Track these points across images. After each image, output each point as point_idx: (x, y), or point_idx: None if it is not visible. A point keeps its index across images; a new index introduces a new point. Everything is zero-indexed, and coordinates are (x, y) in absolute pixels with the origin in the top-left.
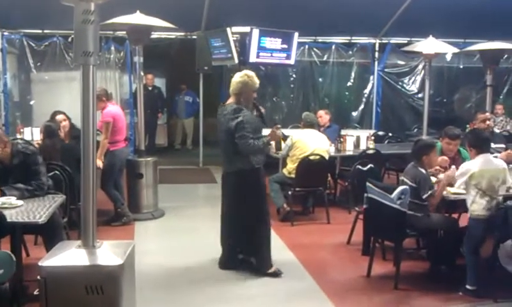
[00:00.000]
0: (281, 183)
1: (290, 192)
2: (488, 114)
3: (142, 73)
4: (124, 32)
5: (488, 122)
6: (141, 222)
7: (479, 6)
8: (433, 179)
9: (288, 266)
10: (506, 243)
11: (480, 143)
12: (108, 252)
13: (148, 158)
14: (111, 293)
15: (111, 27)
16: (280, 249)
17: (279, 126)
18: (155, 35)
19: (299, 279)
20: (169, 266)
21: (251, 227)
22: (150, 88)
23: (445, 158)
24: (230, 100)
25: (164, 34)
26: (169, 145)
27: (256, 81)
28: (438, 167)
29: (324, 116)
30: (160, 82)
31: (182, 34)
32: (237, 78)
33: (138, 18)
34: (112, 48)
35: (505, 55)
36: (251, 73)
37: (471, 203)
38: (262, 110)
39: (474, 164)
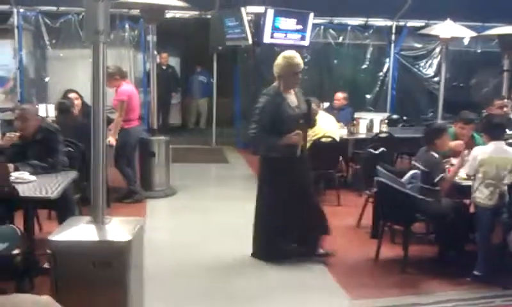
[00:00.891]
0: None
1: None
2: (505, 100)
3: (155, 52)
4: (138, 10)
5: (505, 109)
6: (152, 200)
7: None
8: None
9: None
10: None
11: (493, 129)
12: (117, 229)
13: (161, 137)
14: (119, 269)
15: (126, 5)
16: None
17: (299, 133)
18: (169, 14)
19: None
20: (178, 243)
21: (259, 214)
22: (164, 67)
23: (460, 142)
24: (275, 83)
25: (178, 13)
26: (183, 125)
27: (296, 63)
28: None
29: (341, 100)
30: (174, 62)
31: (197, 13)
32: (277, 60)
33: None
34: (127, 26)
35: None
36: (291, 54)
37: (474, 190)
38: (314, 106)
39: (485, 150)
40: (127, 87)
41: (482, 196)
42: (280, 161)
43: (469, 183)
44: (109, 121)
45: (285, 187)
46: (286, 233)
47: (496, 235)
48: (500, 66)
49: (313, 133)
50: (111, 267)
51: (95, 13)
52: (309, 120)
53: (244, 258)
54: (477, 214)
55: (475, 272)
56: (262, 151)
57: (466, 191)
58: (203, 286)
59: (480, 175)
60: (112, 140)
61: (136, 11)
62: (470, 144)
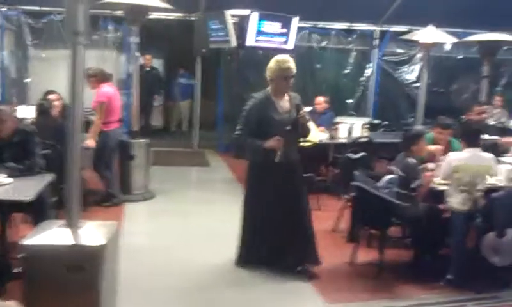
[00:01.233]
0: None
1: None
2: (485, 106)
3: (138, 54)
4: (122, 11)
5: (483, 115)
6: (131, 204)
7: None
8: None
9: None
10: (489, 235)
11: (471, 136)
12: (91, 233)
13: (141, 140)
14: (93, 273)
15: (109, 6)
16: None
17: (279, 138)
18: (153, 16)
19: None
20: (156, 247)
21: (241, 220)
22: (147, 69)
23: (439, 147)
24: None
25: (162, 15)
26: (165, 127)
27: (287, 67)
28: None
29: (322, 104)
30: (158, 64)
31: (181, 15)
32: (269, 63)
33: None
34: (110, 27)
35: (505, 47)
36: (283, 58)
37: (448, 195)
38: (303, 113)
39: (461, 157)
40: (107, 89)
41: (455, 201)
42: (263, 168)
43: (445, 188)
44: (89, 123)
45: (266, 195)
46: (265, 242)
47: (470, 239)
48: (479, 73)
49: None
50: (84, 271)
51: (74, 14)
52: (296, 127)
53: (222, 263)
54: (451, 219)
55: (449, 276)
56: (246, 154)
57: (441, 196)
58: (179, 291)
59: (454, 181)
60: (91, 142)
61: (119, 13)
62: (448, 149)
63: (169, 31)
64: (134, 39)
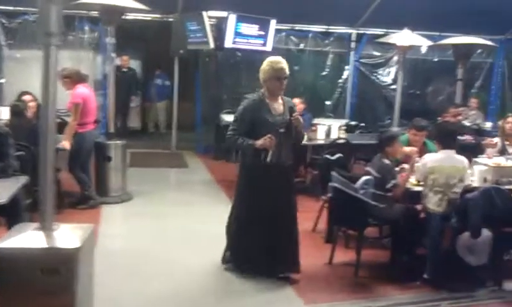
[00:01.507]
0: None
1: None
2: (460, 109)
3: (114, 55)
4: (97, 12)
5: (459, 117)
6: (108, 206)
7: None
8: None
9: None
10: (464, 234)
11: (445, 138)
12: (65, 235)
13: (118, 141)
14: (67, 276)
15: (84, 6)
16: None
17: (271, 137)
18: (130, 16)
19: None
20: (132, 250)
21: (228, 221)
22: (125, 70)
23: (414, 148)
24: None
25: (140, 16)
26: (143, 128)
27: (280, 67)
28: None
29: (299, 105)
30: (135, 65)
31: (159, 16)
32: (262, 65)
33: None
34: (86, 28)
35: (479, 50)
36: (275, 59)
37: (424, 196)
38: (296, 116)
39: (436, 158)
40: (82, 90)
41: (431, 202)
42: (255, 169)
43: (420, 188)
44: (65, 124)
45: (256, 197)
46: (253, 243)
47: (446, 239)
48: (455, 75)
49: None
50: (59, 275)
51: (47, 14)
52: (290, 130)
53: (201, 265)
54: (427, 219)
55: (425, 276)
56: (236, 156)
57: (417, 197)
58: (156, 295)
59: (430, 182)
60: (66, 144)
61: (95, 13)
62: (423, 150)
63: (146, 32)
64: (110, 40)
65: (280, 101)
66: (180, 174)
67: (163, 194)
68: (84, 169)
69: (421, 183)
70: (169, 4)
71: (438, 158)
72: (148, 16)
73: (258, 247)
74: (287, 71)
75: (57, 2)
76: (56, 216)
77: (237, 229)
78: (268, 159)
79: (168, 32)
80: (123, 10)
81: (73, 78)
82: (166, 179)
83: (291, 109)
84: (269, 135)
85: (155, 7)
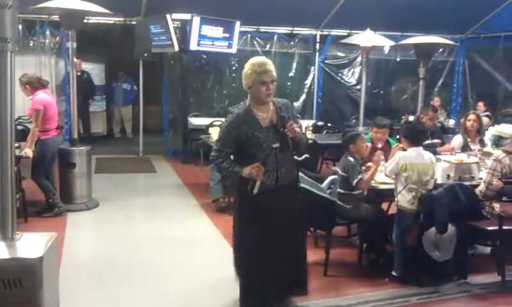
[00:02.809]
0: None
1: (227, 183)
2: (438, 112)
3: (75, 59)
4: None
5: (435, 120)
6: (73, 213)
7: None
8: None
9: (222, 254)
10: (430, 231)
11: (414, 135)
12: (28, 245)
13: (82, 147)
14: (30, 287)
15: (45, 11)
16: (215, 239)
17: (259, 166)
18: (93, 20)
19: (232, 267)
20: (99, 257)
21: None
22: (78, 73)
23: (381, 156)
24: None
25: (102, 19)
26: (108, 133)
27: (265, 70)
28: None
29: None
30: (99, 69)
31: (121, 19)
32: (244, 69)
33: (71, 2)
34: (48, 32)
35: (441, 49)
36: (257, 61)
37: (397, 194)
38: (291, 125)
39: (407, 156)
40: (43, 96)
41: (404, 200)
42: (250, 196)
43: (386, 186)
44: (28, 131)
45: (255, 225)
46: (266, 283)
47: (412, 236)
48: (417, 74)
49: None
50: (21, 286)
51: (2, 20)
52: (287, 143)
53: (170, 268)
54: (398, 217)
55: (393, 273)
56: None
57: (383, 195)
58: (125, 300)
59: (402, 180)
60: (28, 151)
61: (56, 17)
62: (386, 148)
63: (109, 36)
64: (71, 45)
65: (271, 107)
66: (148, 179)
67: (131, 200)
68: (48, 176)
69: (390, 181)
70: (132, 7)
71: (409, 156)
72: (111, 20)
73: (266, 282)
74: (274, 73)
75: (12, 7)
76: (19, 225)
77: (250, 275)
78: (255, 191)
79: (131, 35)
80: (84, 14)
81: (34, 85)
82: (133, 184)
83: (282, 118)
84: (256, 164)
85: (118, 10)
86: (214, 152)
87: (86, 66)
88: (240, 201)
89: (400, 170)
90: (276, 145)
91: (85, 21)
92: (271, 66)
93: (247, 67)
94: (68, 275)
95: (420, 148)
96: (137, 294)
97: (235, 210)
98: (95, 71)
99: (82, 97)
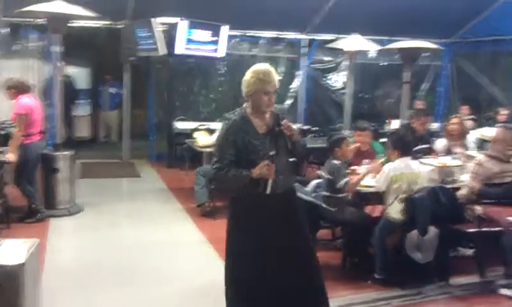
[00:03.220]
0: (208, 176)
1: (212, 187)
2: (428, 117)
3: (61, 63)
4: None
5: (425, 125)
6: (56, 219)
7: (402, 4)
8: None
9: (207, 259)
10: (412, 233)
11: (405, 146)
12: (8, 251)
13: (65, 152)
14: (12, 294)
15: (30, 14)
16: (200, 243)
17: (268, 163)
18: (79, 23)
19: (219, 271)
20: (82, 263)
21: (225, 269)
22: (62, 78)
23: (356, 144)
24: (244, 104)
25: (89, 23)
26: (93, 138)
27: (268, 80)
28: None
29: None
30: (85, 72)
31: (108, 23)
32: (245, 75)
33: (57, 6)
34: (33, 36)
35: (427, 53)
36: (262, 69)
37: (388, 205)
38: (286, 125)
39: (396, 167)
40: (27, 100)
41: (395, 210)
42: (251, 205)
43: (370, 190)
44: (10, 136)
45: (256, 241)
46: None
47: (393, 238)
48: (401, 78)
49: None
50: (3, 293)
51: None
52: (284, 146)
53: (155, 274)
54: (383, 223)
55: (376, 275)
56: (227, 189)
57: (367, 198)
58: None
59: (394, 191)
60: (11, 156)
61: (42, 21)
62: (370, 151)
63: (95, 39)
64: (57, 48)
65: (268, 115)
66: (133, 183)
67: (115, 205)
68: (31, 181)
69: (373, 184)
70: (118, 11)
71: (399, 167)
72: (97, 23)
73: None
74: (277, 83)
75: None
76: (2, 231)
77: (240, 296)
78: (268, 190)
79: (117, 39)
80: (70, 17)
81: (18, 89)
82: (117, 189)
83: (277, 117)
84: (266, 162)
85: (104, 14)
86: (216, 165)
87: (72, 70)
88: (239, 214)
89: (391, 181)
90: (272, 153)
91: (70, 25)
92: (275, 76)
93: (249, 74)
94: (51, 282)
95: (408, 158)
96: (121, 300)
97: (230, 223)
98: (81, 75)
99: (64, 101)
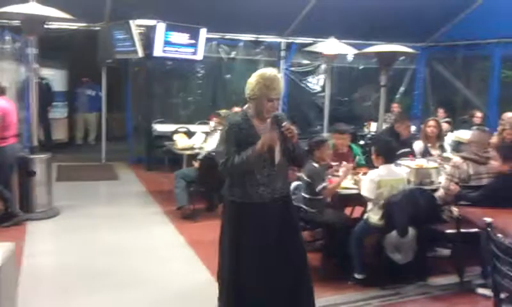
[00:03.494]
0: (187, 179)
1: (192, 189)
2: (409, 122)
3: (37, 65)
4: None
5: (409, 129)
6: (33, 223)
7: (380, 9)
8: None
9: (188, 262)
10: (391, 234)
11: (387, 153)
12: None
13: (42, 155)
14: None
15: (5, 16)
16: (179, 246)
17: (271, 131)
18: (55, 25)
19: (197, 274)
20: (60, 266)
21: (219, 275)
22: (38, 80)
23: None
24: (246, 106)
25: (65, 25)
26: (70, 140)
27: (273, 87)
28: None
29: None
30: (60, 74)
31: (85, 25)
32: (250, 78)
33: (32, 7)
34: (8, 38)
35: (403, 57)
36: (269, 75)
37: (369, 210)
38: (287, 125)
39: (381, 173)
40: (1, 102)
41: (375, 216)
42: (248, 211)
43: (348, 191)
44: None
45: (258, 240)
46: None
47: (370, 238)
48: (379, 82)
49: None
50: None
51: None
52: (288, 151)
53: (133, 277)
54: (362, 226)
55: (356, 276)
56: (233, 191)
57: (347, 200)
58: None
59: (376, 196)
60: None
61: (17, 22)
62: (348, 154)
63: (72, 41)
64: (32, 50)
65: (269, 119)
66: (111, 186)
67: (93, 208)
68: (7, 185)
69: (352, 186)
70: (95, 13)
71: (383, 173)
72: (74, 25)
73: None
74: (282, 90)
75: None
76: None
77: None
78: (276, 160)
79: (95, 41)
80: (45, 19)
81: None
82: (95, 192)
83: (277, 119)
84: (269, 131)
85: (80, 16)
86: (222, 158)
87: (48, 72)
88: (232, 214)
89: (375, 188)
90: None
91: (47, 26)
92: (280, 83)
93: (255, 78)
94: (28, 286)
95: (391, 165)
96: (100, 304)
97: (225, 232)
98: (57, 77)
99: (40, 104)
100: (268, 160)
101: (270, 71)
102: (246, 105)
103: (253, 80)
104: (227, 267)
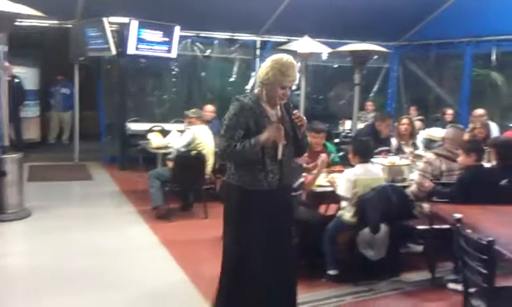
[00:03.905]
0: (162, 178)
1: (166, 189)
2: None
3: (6, 63)
4: None
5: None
6: (4, 224)
7: (353, 8)
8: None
9: (162, 262)
10: (364, 231)
11: (363, 153)
12: None
13: (13, 155)
14: None
15: None
16: (154, 246)
17: (278, 125)
18: (26, 23)
19: (172, 274)
20: (32, 268)
21: (222, 269)
22: (8, 78)
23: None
24: (256, 90)
25: (36, 22)
26: (43, 140)
27: (288, 74)
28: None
29: (211, 112)
30: (32, 72)
31: (56, 22)
32: (265, 62)
33: (1, 4)
34: None
35: (376, 56)
36: (285, 61)
37: (343, 207)
38: (298, 114)
39: (357, 172)
40: None
41: (349, 214)
42: (251, 198)
43: (323, 189)
44: None
45: (254, 234)
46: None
47: (343, 235)
48: (352, 80)
49: (202, 147)
50: None
51: None
52: (296, 139)
53: (107, 278)
54: (335, 223)
55: (329, 272)
56: (238, 176)
57: (321, 197)
58: None
59: (351, 195)
60: None
61: None
62: (323, 152)
63: (44, 39)
64: (2, 48)
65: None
66: (84, 186)
67: (66, 209)
68: None
69: (326, 184)
70: (67, 10)
71: (359, 172)
72: (45, 23)
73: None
74: (296, 79)
75: None
76: None
77: (232, 279)
78: (279, 155)
79: (67, 38)
80: (16, 16)
81: None
82: (68, 192)
83: (288, 107)
84: (274, 126)
85: (52, 13)
86: (225, 142)
87: (19, 71)
88: (237, 206)
89: (352, 187)
90: (284, 142)
91: (17, 23)
92: (295, 71)
93: (270, 63)
94: (0, 288)
95: (369, 164)
96: (73, 305)
97: (230, 216)
98: (29, 75)
99: (12, 103)
100: (271, 153)
101: (287, 57)
102: (257, 90)
103: (268, 64)
104: (232, 252)
